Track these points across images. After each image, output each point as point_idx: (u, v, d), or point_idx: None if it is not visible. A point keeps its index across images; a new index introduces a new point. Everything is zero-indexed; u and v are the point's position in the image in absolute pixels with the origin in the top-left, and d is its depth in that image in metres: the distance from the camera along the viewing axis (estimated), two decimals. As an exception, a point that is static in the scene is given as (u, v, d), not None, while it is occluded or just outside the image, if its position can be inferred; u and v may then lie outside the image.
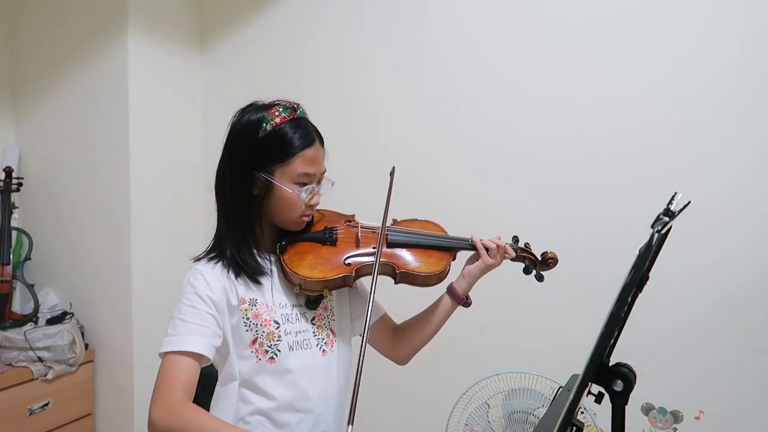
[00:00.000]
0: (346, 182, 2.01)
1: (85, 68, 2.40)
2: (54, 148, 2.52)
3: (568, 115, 1.92)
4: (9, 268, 2.37)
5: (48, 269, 2.54)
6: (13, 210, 2.44)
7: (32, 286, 2.42)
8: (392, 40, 2.20)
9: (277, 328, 1.11)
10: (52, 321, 2.34)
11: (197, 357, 1.02)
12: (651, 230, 0.78)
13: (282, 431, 1.11)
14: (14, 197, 2.45)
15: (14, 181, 2.45)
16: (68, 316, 2.39)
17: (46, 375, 2.23)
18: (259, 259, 1.13)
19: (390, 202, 1.20)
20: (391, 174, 1.24)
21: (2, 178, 2.41)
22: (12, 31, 2.58)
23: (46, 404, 2.25)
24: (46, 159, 2.55)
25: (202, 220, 2.56)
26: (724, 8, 1.71)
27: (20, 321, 2.31)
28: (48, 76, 2.50)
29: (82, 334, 2.39)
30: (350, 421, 0.92)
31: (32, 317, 2.34)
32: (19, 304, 2.50)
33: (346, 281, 1.15)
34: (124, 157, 2.32)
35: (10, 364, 2.21)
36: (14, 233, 2.44)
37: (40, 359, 2.22)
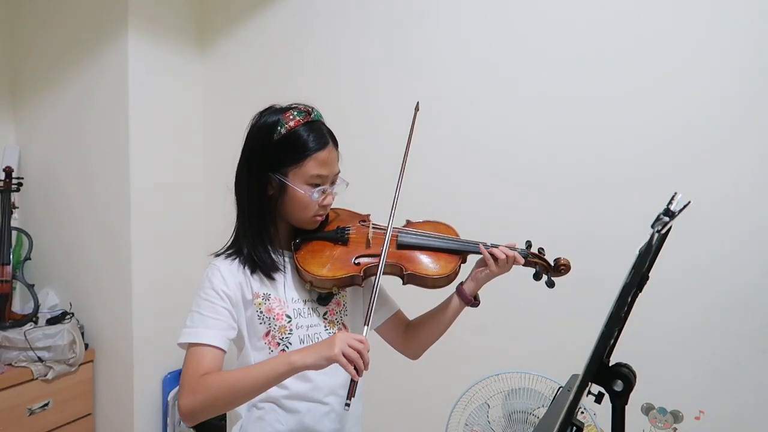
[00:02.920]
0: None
1: (84, 68, 2.40)
2: (54, 148, 2.52)
3: (570, 116, 1.92)
4: (9, 268, 2.36)
5: (48, 269, 2.54)
6: (13, 210, 2.44)
7: (32, 286, 2.41)
8: (393, 39, 2.21)
9: (289, 322, 1.16)
10: (52, 321, 2.33)
11: (216, 349, 1.07)
12: (651, 230, 0.78)
13: (292, 416, 1.14)
14: (14, 197, 2.45)
15: (14, 181, 2.45)
16: (68, 316, 2.39)
17: (46, 375, 2.23)
18: (273, 257, 1.17)
19: (410, 144, 1.22)
20: (416, 109, 1.24)
21: (2, 178, 2.41)
22: (12, 31, 2.58)
23: (46, 404, 2.25)
24: (45, 159, 2.55)
25: (202, 219, 2.56)
26: (724, 8, 1.71)
27: (20, 321, 2.31)
28: (48, 76, 2.50)
29: (82, 334, 2.39)
30: (366, 322, 1.05)
31: (32, 317, 2.34)
32: (19, 304, 2.50)
33: (355, 280, 1.18)
34: (123, 157, 2.32)
35: (10, 364, 2.21)
36: (14, 233, 2.44)
37: (40, 359, 2.22)
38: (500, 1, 2.01)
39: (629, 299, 0.79)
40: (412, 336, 1.33)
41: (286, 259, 1.20)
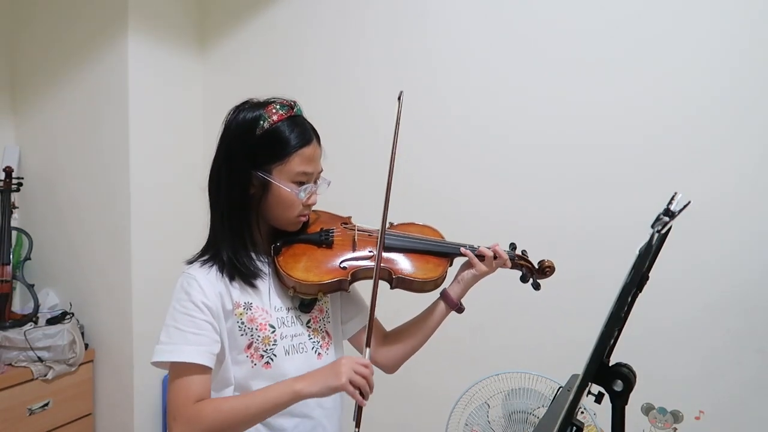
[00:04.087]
0: (345, 183, 2.01)
1: (85, 68, 2.40)
2: (54, 148, 2.52)
3: (569, 116, 1.92)
4: (9, 268, 2.36)
5: (48, 269, 2.54)
6: (13, 210, 2.44)
7: (32, 286, 2.41)
8: (393, 40, 2.20)
9: (273, 332, 1.09)
10: (52, 321, 2.33)
11: (201, 367, 1.00)
12: (651, 230, 0.78)
13: None
14: (14, 197, 2.45)
15: (14, 181, 2.45)
16: (68, 316, 2.39)
17: (46, 375, 2.23)
18: (256, 261, 1.11)
19: (398, 135, 1.17)
20: (399, 99, 1.18)
21: (2, 178, 2.41)
22: (12, 32, 2.57)
23: (46, 404, 2.25)
24: (46, 159, 2.55)
25: (203, 219, 2.56)
26: (724, 9, 1.71)
27: (20, 321, 2.31)
28: (48, 76, 2.50)
29: (82, 334, 2.39)
30: (368, 343, 1.03)
31: (32, 317, 2.34)
32: (19, 304, 2.50)
33: (342, 285, 1.13)
34: (124, 157, 2.32)
35: (10, 364, 2.21)
36: (14, 233, 2.44)
37: (40, 359, 2.22)
38: (500, 2, 2.01)
39: (629, 299, 0.79)
40: (390, 345, 1.26)
41: (266, 264, 1.13)
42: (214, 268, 1.07)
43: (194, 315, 1.02)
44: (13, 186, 2.44)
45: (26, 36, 2.55)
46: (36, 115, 2.55)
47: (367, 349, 1.01)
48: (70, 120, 2.46)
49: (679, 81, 1.78)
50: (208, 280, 1.05)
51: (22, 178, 2.51)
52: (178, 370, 1.00)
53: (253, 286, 1.09)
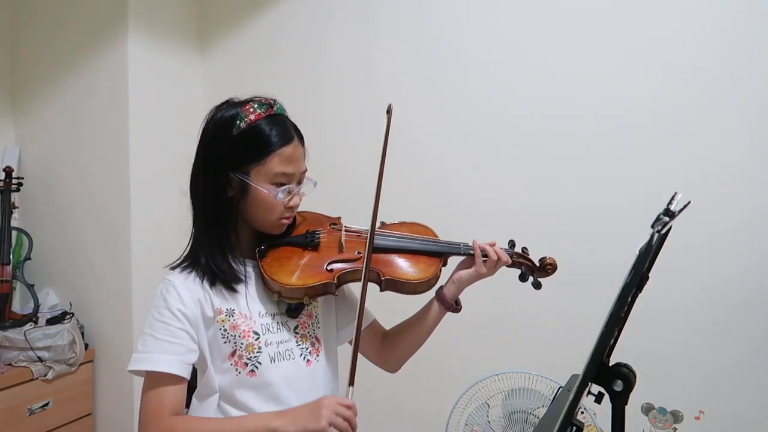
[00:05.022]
0: (345, 185, 2.01)
1: (85, 69, 2.40)
2: (54, 148, 2.52)
3: (568, 109, 1.92)
4: (9, 268, 2.36)
5: (48, 269, 2.54)
6: (13, 210, 2.44)
7: (32, 286, 2.41)
8: (400, 39, 2.20)
9: (257, 339, 1.06)
10: (52, 321, 2.33)
11: (175, 378, 0.99)
12: (651, 230, 0.78)
13: None
14: (14, 197, 2.45)
15: (14, 181, 2.45)
16: (68, 316, 2.38)
17: (46, 375, 2.23)
18: (234, 265, 1.07)
19: (386, 149, 1.11)
20: (388, 113, 1.13)
21: (2, 178, 2.41)
22: (12, 32, 2.57)
23: (46, 404, 2.25)
24: (45, 159, 2.55)
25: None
26: None
27: (20, 321, 2.31)
28: (48, 76, 2.50)
29: (82, 334, 2.39)
30: (351, 382, 0.94)
31: (32, 317, 2.34)
32: (19, 304, 2.50)
33: (328, 288, 1.09)
34: (123, 157, 2.32)
35: (10, 364, 2.20)
36: (14, 233, 2.44)
37: (40, 359, 2.22)
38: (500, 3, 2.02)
39: (629, 299, 0.79)
40: (389, 347, 1.25)
41: (249, 269, 1.10)
42: (194, 273, 1.06)
43: (170, 323, 1.00)
44: (13, 186, 2.44)
45: (26, 36, 2.55)
46: (36, 115, 2.55)
47: (350, 388, 0.95)
48: (70, 120, 2.46)
49: (678, 71, 1.77)
50: (186, 287, 1.03)
51: (22, 178, 2.51)
52: (151, 380, 0.99)
53: (234, 291, 1.06)
